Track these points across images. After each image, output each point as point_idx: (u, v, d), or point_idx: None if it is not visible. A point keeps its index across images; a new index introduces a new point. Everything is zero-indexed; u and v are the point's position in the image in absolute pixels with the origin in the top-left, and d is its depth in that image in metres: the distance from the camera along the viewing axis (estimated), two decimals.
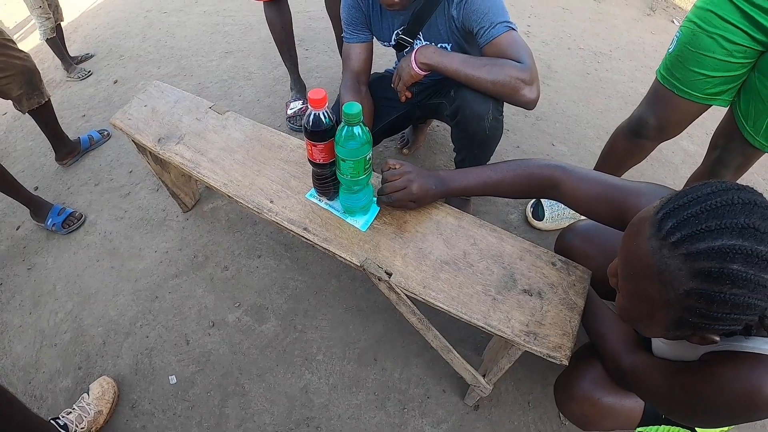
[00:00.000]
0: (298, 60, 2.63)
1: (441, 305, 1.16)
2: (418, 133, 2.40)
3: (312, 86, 2.82)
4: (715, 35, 1.33)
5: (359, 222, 1.32)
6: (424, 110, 1.91)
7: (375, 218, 1.34)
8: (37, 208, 2.18)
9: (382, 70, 2.01)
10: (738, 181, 1.63)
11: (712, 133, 1.64)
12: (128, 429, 1.60)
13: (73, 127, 2.78)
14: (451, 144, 1.77)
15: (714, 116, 1.59)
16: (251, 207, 1.38)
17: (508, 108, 1.58)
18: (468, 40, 1.62)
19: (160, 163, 1.85)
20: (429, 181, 1.29)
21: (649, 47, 3.50)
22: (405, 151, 2.40)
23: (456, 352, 1.35)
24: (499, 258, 1.25)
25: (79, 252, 2.12)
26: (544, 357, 1.10)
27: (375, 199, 1.35)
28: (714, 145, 1.64)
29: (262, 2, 2.33)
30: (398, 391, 1.63)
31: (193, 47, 3.38)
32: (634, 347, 1.10)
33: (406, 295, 1.21)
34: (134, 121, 1.71)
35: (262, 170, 1.49)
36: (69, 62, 3.21)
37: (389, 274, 1.20)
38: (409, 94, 1.64)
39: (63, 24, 3.24)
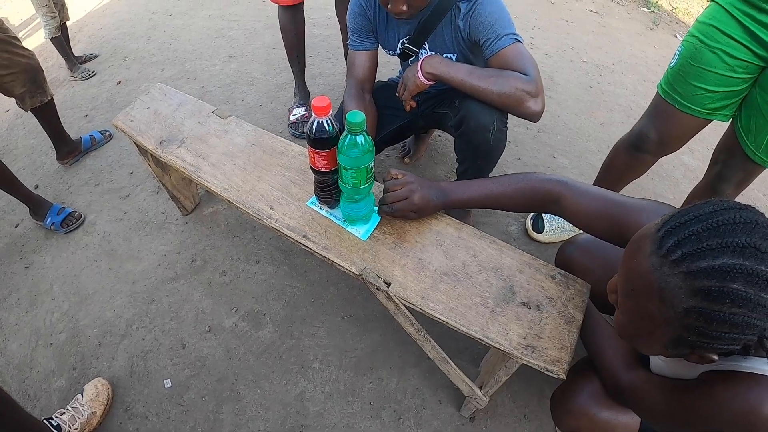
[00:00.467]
0: None
1: (439, 316, 1.16)
2: (419, 142, 2.40)
3: (315, 93, 2.83)
4: (717, 50, 1.33)
5: (360, 231, 1.32)
6: (428, 120, 1.91)
7: (375, 228, 1.33)
8: (37, 206, 2.18)
9: (386, 79, 2.01)
10: (738, 197, 1.65)
11: (713, 147, 1.64)
12: None
13: (75, 127, 2.78)
14: (453, 154, 1.77)
15: (715, 131, 1.59)
16: (251, 213, 1.38)
17: (509, 120, 1.59)
18: (473, 51, 1.62)
19: (160, 165, 1.85)
20: (431, 192, 1.29)
21: (652, 61, 3.51)
22: (406, 160, 2.40)
23: (453, 364, 1.35)
24: (499, 270, 1.25)
25: (77, 252, 2.11)
26: (542, 370, 1.09)
27: (376, 208, 1.35)
28: (715, 160, 1.64)
29: (277, 6, 2.33)
30: (394, 401, 1.62)
31: (197, 51, 3.39)
32: (632, 363, 1.10)
33: (404, 305, 1.21)
34: (136, 123, 1.71)
35: (263, 176, 1.49)
36: (73, 62, 3.21)
37: (388, 284, 1.20)
38: (413, 104, 1.64)
39: (68, 23, 3.24)
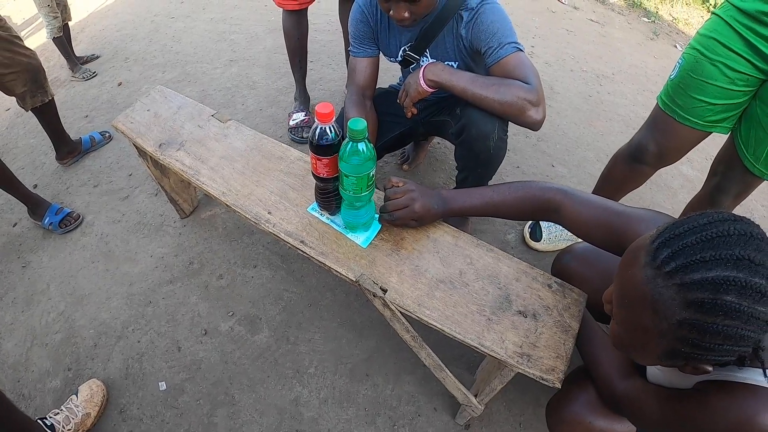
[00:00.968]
0: None
1: (435, 324, 1.16)
2: (419, 149, 2.41)
3: (315, 98, 2.83)
4: (718, 63, 1.33)
5: (360, 238, 1.32)
6: (428, 127, 1.91)
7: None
8: (35, 206, 2.18)
9: (387, 86, 2.02)
10: (737, 208, 1.65)
11: (712, 158, 1.65)
12: None
13: (75, 127, 2.78)
14: (452, 162, 1.77)
15: (714, 142, 1.59)
16: (249, 217, 1.38)
17: (509, 128, 1.59)
18: (475, 60, 1.63)
19: (159, 168, 1.85)
20: (431, 201, 1.29)
21: (652, 71, 3.52)
22: (405, 167, 2.40)
23: (448, 371, 1.34)
24: (495, 278, 1.25)
25: (74, 252, 2.11)
26: (537, 379, 1.09)
27: (377, 216, 1.35)
28: (714, 171, 1.65)
29: (280, 10, 2.34)
30: (389, 407, 1.62)
31: (198, 54, 3.39)
32: (628, 372, 1.10)
33: (400, 312, 1.21)
34: (136, 125, 1.71)
35: (262, 181, 1.49)
36: (74, 62, 3.21)
37: (384, 291, 1.20)
38: (414, 111, 1.64)
39: (70, 23, 3.24)
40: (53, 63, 3.37)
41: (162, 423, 1.60)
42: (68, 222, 2.18)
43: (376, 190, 1.34)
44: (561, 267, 1.42)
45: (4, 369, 1.76)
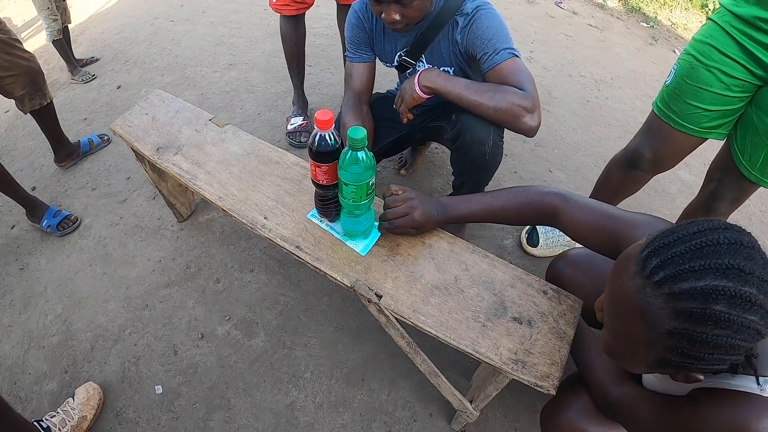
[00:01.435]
0: None
1: (430, 330, 1.16)
2: (416, 154, 2.41)
3: (313, 103, 2.84)
4: (714, 69, 1.33)
5: (359, 246, 1.32)
6: (425, 133, 1.91)
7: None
8: (33, 208, 2.18)
9: (384, 91, 2.02)
10: (736, 212, 1.65)
11: (710, 163, 1.65)
12: None
13: (73, 130, 2.78)
14: (449, 167, 1.77)
15: (712, 147, 1.59)
16: (245, 222, 1.38)
17: (506, 133, 1.59)
18: (471, 65, 1.63)
19: (157, 171, 1.85)
20: (431, 208, 1.29)
21: (650, 76, 3.53)
22: (403, 172, 2.40)
23: (444, 377, 1.34)
24: (491, 284, 1.25)
25: (72, 255, 2.11)
26: (532, 386, 1.10)
27: (376, 223, 1.35)
28: (710, 178, 1.64)
29: (278, 15, 2.35)
30: (385, 413, 1.62)
31: (197, 57, 3.40)
32: (623, 378, 1.10)
33: (395, 318, 1.21)
34: (134, 128, 1.71)
35: (258, 186, 1.49)
36: (74, 65, 3.21)
37: (379, 297, 1.20)
38: (410, 116, 1.64)
39: (70, 26, 3.25)
40: (53, 65, 3.37)
41: (158, 426, 1.60)
42: (66, 225, 2.18)
43: (375, 197, 1.34)
44: (555, 273, 1.42)
45: (1, 371, 1.76)
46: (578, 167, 2.58)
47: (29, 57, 2.12)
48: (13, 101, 2.18)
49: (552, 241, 2.05)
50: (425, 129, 1.89)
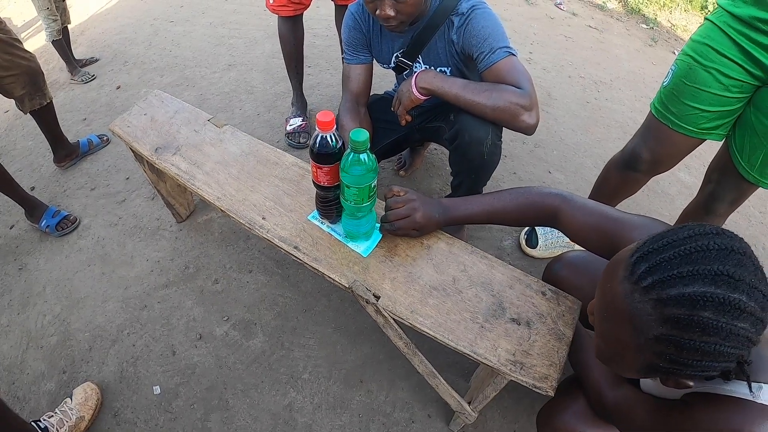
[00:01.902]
0: None
1: (428, 331, 1.16)
2: (415, 155, 2.41)
3: (313, 103, 2.84)
4: (712, 69, 1.33)
5: (361, 247, 1.32)
6: (423, 133, 1.92)
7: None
8: (32, 208, 2.18)
9: (381, 92, 2.02)
10: (734, 213, 1.65)
11: (708, 164, 1.65)
12: None
13: (73, 130, 2.78)
14: (448, 167, 1.77)
15: (711, 148, 1.59)
16: (243, 222, 1.38)
17: (506, 134, 1.59)
18: (467, 65, 1.63)
19: (156, 172, 1.85)
20: (433, 210, 1.29)
21: (650, 78, 3.53)
22: (402, 173, 2.40)
23: (442, 378, 1.34)
24: (489, 285, 1.25)
25: (71, 255, 2.11)
26: (530, 387, 1.10)
27: (378, 225, 1.34)
28: (708, 179, 1.64)
29: (276, 16, 2.35)
30: (383, 414, 1.62)
31: (197, 58, 3.40)
32: (618, 381, 1.10)
33: (393, 319, 1.21)
34: (133, 128, 1.71)
35: (257, 186, 1.49)
36: (74, 65, 3.21)
37: (377, 297, 1.20)
38: (408, 118, 1.64)
39: (70, 26, 3.25)
40: (52, 66, 3.37)
41: (156, 427, 1.60)
42: (65, 225, 2.18)
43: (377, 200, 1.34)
44: (551, 275, 1.42)
45: (0, 371, 1.76)
46: (577, 168, 2.58)
47: (29, 57, 2.12)
48: (12, 101, 2.18)
49: (551, 243, 2.05)
50: (423, 130, 1.89)
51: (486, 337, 1.15)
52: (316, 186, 1.25)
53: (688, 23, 4.40)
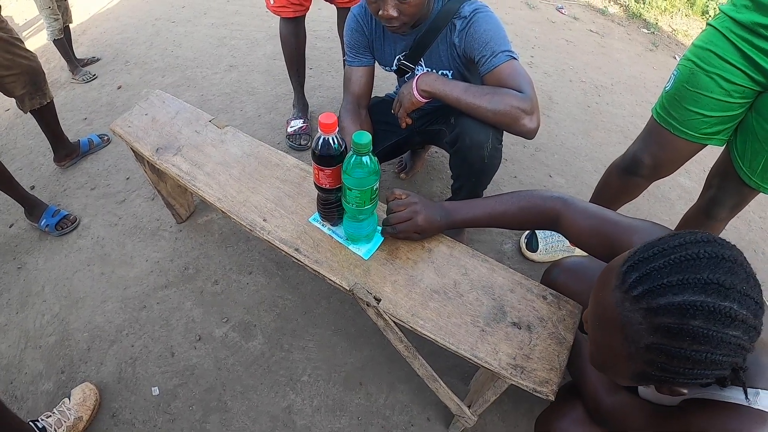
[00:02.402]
0: None
1: (428, 334, 1.16)
2: (416, 158, 2.41)
3: (314, 105, 2.84)
4: (714, 75, 1.33)
5: (362, 250, 1.31)
6: (424, 136, 1.92)
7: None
8: (32, 207, 2.17)
9: (382, 94, 2.02)
10: (734, 218, 1.65)
11: (710, 169, 1.65)
12: None
13: (73, 130, 2.78)
14: (449, 171, 1.77)
15: (712, 153, 1.59)
16: (244, 224, 1.38)
17: (506, 137, 1.59)
18: (469, 68, 1.63)
19: (156, 172, 1.85)
20: (434, 213, 1.29)
21: (651, 82, 3.53)
22: (402, 175, 2.40)
23: (442, 382, 1.34)
24: (490, 289, 1.25)
25: (70, 255, 2.11)
26: (531, 391, 1.09)
27: (379, 228, 1.34)
28: (709, 184, 1.64)
29: (278, 18, 2.35)
30: (382, 417, 1.62)
31: (198, 58, 3.40)
32: (615, 387, 1.10)
33: (393, 322, 1.20)
34: (134, 129, 1.71)
35: (258, 188, 1.49)
36: (75, 64, 3.21)
37: (378, 300, 1.20)
38: (409, 121, 1.65)
39: (71, 26, 3.25)
40: (53, 65, 3.37)
41: (154, 428, 1.59)
42: (65, 224, 2.18)
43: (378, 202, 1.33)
44: (550, 280, 1.41)
45: None
46: (578, 172, 2.58)
47: (30, 56, 2.12)
48: (13, 99, 2.18)
49: (551, 246, 2.05)
50: (424, 132, 1.89)
51: (487, 340, 1.15)
52: (318, 188, 1.25)
53: (689, 28, 4.41)
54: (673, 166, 1.58)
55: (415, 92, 1.54)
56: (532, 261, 2.08)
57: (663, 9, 4.56)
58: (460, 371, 1.69)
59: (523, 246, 2.10)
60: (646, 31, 4.29)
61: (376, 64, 1.79)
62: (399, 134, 1.88)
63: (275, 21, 2.45)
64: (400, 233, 1.29)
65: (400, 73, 1.76)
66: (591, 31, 4.13)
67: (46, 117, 2.31)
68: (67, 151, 2.49)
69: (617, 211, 1.30)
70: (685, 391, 0.78)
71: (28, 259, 2.11)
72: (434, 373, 1.33)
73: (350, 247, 1.32)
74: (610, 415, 1.07)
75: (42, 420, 1.50)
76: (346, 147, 1.15)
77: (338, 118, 1.69)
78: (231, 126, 1.72)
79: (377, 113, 1.83)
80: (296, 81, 2.61)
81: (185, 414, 1.62)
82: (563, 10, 4.36)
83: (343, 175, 1.13)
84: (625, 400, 1.06)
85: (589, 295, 1.24)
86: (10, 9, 4.33)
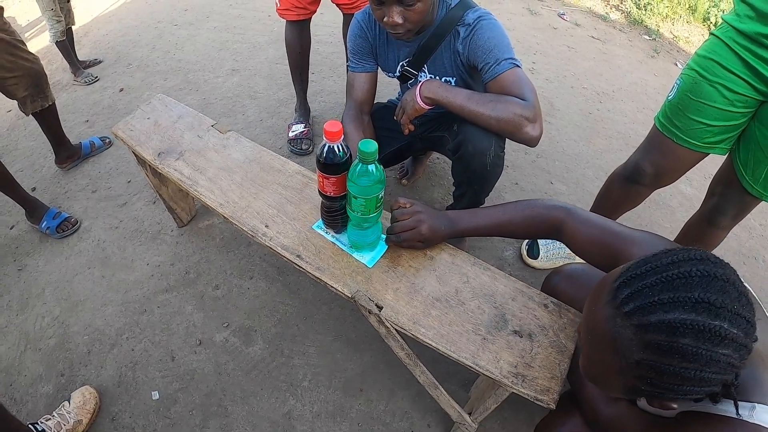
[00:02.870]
0: None
1: (430, 342, 1.15)
2: (417, 164, 2.41)
3: (315, 110, 2.84)
4: (717, 84, 1.33)
5: (366, 258, 1.31)
6: (426, 143, 1.92)
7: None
8: (33, 209, 2.18)
9: (384, 101, 2.03)
10: (736, 227, 1.65)
11: (711, 177, 1.65)
12: None
13: (75, 132, 2.78)
14: (451, 177, 1.77)
15: (713, 161, 1.59)
16: (246, 230, 1.38)
17: (508, 144, 1.59)
18: (472, 75, 1.64)
19: (158, 176, 1.85)
20: (439, 222, 1.29)
21: (652, 89, 3.54)
22: (404, 182, 2.40)
23: (442, 389, 1.34)
24: (491, 297, 1.25)
25: (71, 258, 2.11)
26: (532, 400, 1.09)
27: (383, 236, 1.34)
28: (711, 192, 1.64)
29: (282, 22, 2.35)
30: (382, 423, 1.61)
31: (200, 62, 3.41)
32: (613, 397, 1.10)
33: (395, 329, 1.20)
34: (136, 132, 1.71)
35: (260, 193, 1.49)
36: (77, 66, 3.22)
37: (380, 308, 1.20)
38: (412, 128, 1.65)
39: (74, 28, 3.25)
40: (56, 66, 3.38)
41: None
42: (65, 227, 2.18)
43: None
44: (550, 287, 1.41)
45: None
46: (579, 179, 2.58)
47: (33, 59, 2.12)
48: (15, 101, 2.18)
49: (552, 254, 2.05)
50: (426, 139, 1.89)
51: (488, 348, 1.15)
52: (322, 196, 1.24)
53: (690, 35, 4.42)
54: (675, 174, 1.59)
55: (419, 99, 1.54)
56: (533, 268, 2.08)
57: (664, 16, 4.57)
58: (461, 378, 1.68)
59: (524, 253, 2.10)
60: (648, 38, 4.29)
61: (379, 70, 1.79)
62: (401, 141, 1.88)
63: (278, 25, 2.46)
64: (404, 242, 1.29)
65: (403, 79, 1.76)
66: (592, 37, 4.14)
67: (48, 119, 2.32)
68: (68, 154, 2.49)
69: (618, 220, 1.31)
70: (675, 405, 0.79)
71: (28, 261, 2.11)
72: (435, 381, 1.33)
73: (354, 255, 1.32)
74: (608, 426, 1.07)
75: (41, 423, 1.50)
76: (351, 155, 1.15)
77: (341, 124, 1.69)
78: (233, 131, 1.72)
79: (380, 119, 1.83)
80: (299, 86, 2.61)
81: (185, 419, 1.62)
82: (565, 17, 4.37)
83: (349, 183, 1.13)
84: (623, 410, 1.06)
85: None
86: (12, 10, 4.35)
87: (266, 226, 1.39)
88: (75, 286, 1.99)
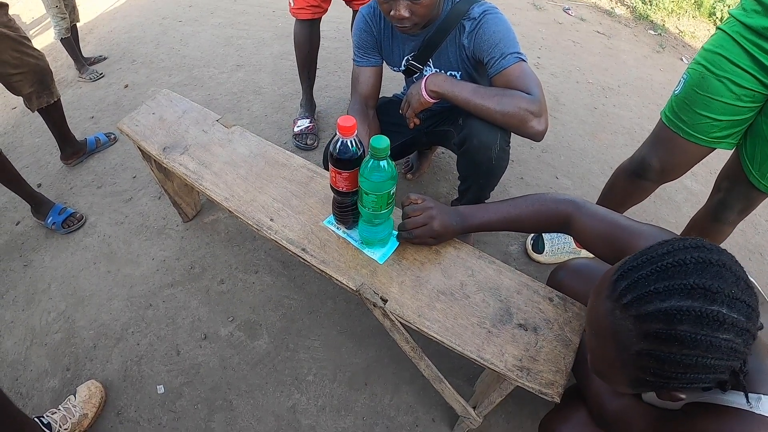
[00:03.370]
0: None
1: (435, 335, 1.15)
2: (423, 159, 2.41)
3: (320, 105, 2.84)
4: (724, 79, 1.33)
5: (377, 254, 1.31)
6: (431, 137, 1.91)
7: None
8: (39, 205, 2.18)
9: (390, 95, 2.02)
10: (741, 222, 1.64)
11: (717, 172, 1.64)
12: None
13: (80, 128, 2.78)
14: (456, 171, 1.77)
15: (719, 156, 1.58)
16: (251, 224, 1.38)
17: (513, 139, 1.59)
18: (478, 70, 1.63)
19: (163, 171, 1.85)
20: (450, 218, 1.28)
21: (657, 84, 3.52)
22: (409, 176, 2.40)
23: (447, 383, 1.34)
24: (496, 291, 1.25)
25: (76, 253, 2.11)
26: (536, 393, 1.09)
27: (394, 232, 1.34)
28: (718, 187, 1.64)
29: (291, 18, 2.35)
30: (387, 417, 1.61)
31: (205, 58, 3.41)
32: (619, 391, 1.10)
33: (400, 322, 1.20)
34: (141, 127, 1.71)
35: (265, 187, 1.49)
36: (82, 63, 3.22)
37: (385, 301, 1.20)
38: (417, 121, 1.64)
39: (79, 24, 3.26)
40: (60, 63, 3.38)
41: (159, 426, 1.60)
42: (71, 222, 2.19)
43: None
44: (555, 282, 1.41)
45: (3, 367, 1.76)
46: (584, 174, 2.58)
47: (38, 55, 2.12)
48: (20, 98, 2.19)
49: (557, 248, 2.04)
50: (432, 133, 1.89)
51: (493, 342, 1.15)
52: (334, 191, 1.24)
53: (696, 30, 4.40)
54: (681, 169, 1.58)
55: (424, 92, 1.53)
56: (538, 262, 2.08)
57: (670, 10, 4.55)
58: (466, 372, 1.68)
59: (530, 247, 2.09)
60: (653, 33, 4.28)
61: (384, 64, 1.78)
62: (406, 135, 1.88)
63: (282, 21, 2.45)
64: (416, 238, 1.29)
65: (409, 73, 1.76)
66: (598, 32, 4.12)
67: (53, 115, 2.32)
68: (73, 150, 2.50)
69: (625, 214, 1.31)
70: (683, 396, 0.79)
71: (34, 256, 2.12)
72: (440, 374, 1.32)
73: (365, 250, 1.32)
74: (613, 419, 1.07)
75: (47, 416, 1.51)
76: (364, 151, 1.15)
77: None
78: (238, 126, 1.72)
79: (385, 113, 1.83)
80: (306, 82, 2.61)
81: (190, 412, 1.63)
82: (570, 12, 4.35)
83: (361, 178, 1.12)
84: (628, 404, 1.06)
85: None
86: (17, 7, 4.35)
87: (271, 220, 1.39)
88: (81, 282, 2.00)
